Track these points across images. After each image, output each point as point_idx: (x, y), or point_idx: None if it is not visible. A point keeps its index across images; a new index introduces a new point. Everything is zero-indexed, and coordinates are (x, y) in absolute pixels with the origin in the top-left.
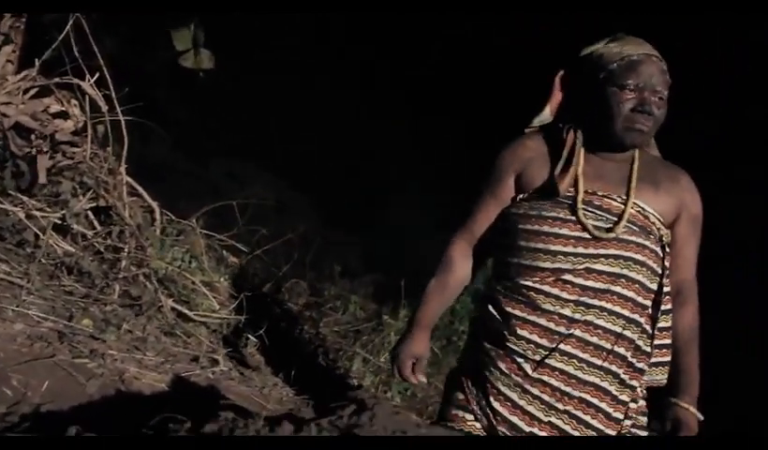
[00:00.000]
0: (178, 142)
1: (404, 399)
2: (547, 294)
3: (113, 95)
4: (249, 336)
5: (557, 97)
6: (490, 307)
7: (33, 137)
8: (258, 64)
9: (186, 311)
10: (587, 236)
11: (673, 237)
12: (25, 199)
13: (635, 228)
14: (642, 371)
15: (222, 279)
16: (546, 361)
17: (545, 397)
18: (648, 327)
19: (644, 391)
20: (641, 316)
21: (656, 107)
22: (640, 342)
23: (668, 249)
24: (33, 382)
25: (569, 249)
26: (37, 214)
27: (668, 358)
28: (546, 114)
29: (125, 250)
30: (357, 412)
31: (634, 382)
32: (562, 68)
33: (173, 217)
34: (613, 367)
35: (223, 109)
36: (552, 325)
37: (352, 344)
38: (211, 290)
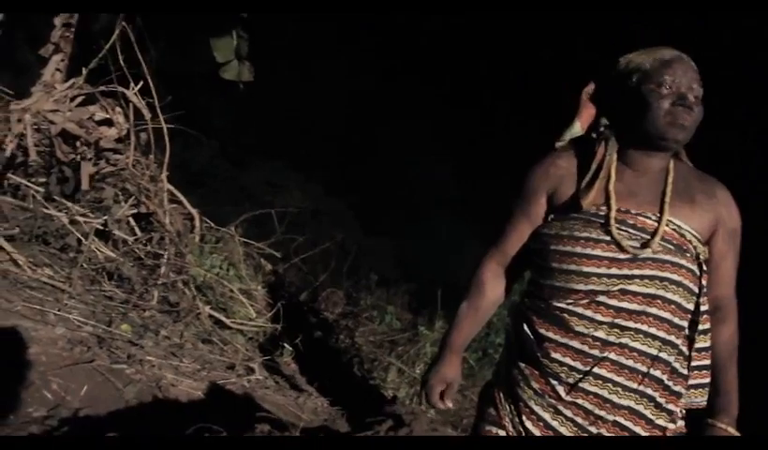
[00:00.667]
0: (220, 149)
1: (438, 412)
2: (581, 317)
3: (156, 103)
4: (285, 344)
5: (589, 111)
6: (524, 327)
7: (78, 144)
8: (298, 72)
9: (224, 318)
10: (621, 257)
11: (711, 253)
12: (69, 204)
13: (670, 246)
14: (679, 394)
15: (259, 287)
16: (580, 384)
17: (578, 420)
18: (685, 349)
19: (684, 411)
20: (677, 337)
21: (694, 104)
22: (676, 365)
23: (705, 267)
24: (72, 387)
25: (603, 271)
26: (81, 219)
27: (707, 380)
28: (577, 129)
29: (165, 257)
30: (394, 427)
31: (671, 406)
32: (589, 82)
33: (213, 225)
34: (649, 391)
35: (263, 116)
36: (585, 348)
37: (388, 354)
38: (248, 297)
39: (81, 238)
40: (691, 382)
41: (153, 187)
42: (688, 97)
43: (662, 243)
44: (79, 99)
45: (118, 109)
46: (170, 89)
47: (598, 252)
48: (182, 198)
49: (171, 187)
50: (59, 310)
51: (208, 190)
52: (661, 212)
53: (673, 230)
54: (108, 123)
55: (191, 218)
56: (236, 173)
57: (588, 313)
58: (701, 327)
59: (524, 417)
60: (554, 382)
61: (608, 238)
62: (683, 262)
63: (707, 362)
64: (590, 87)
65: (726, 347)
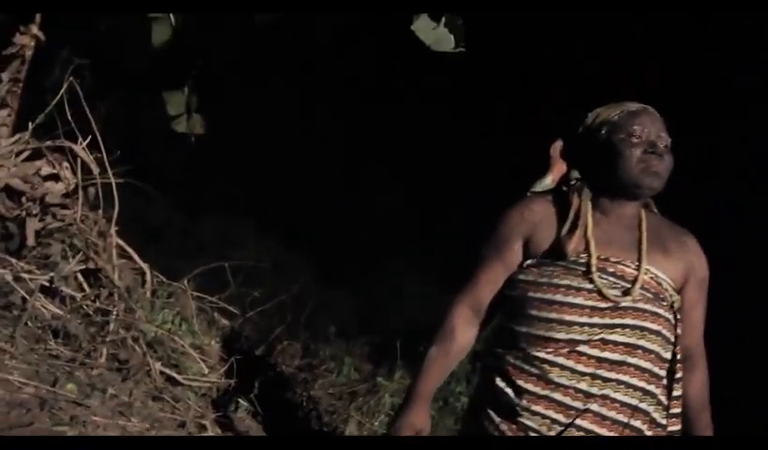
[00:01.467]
0: (176, 204)
1: None
2: (562, 367)
3: (105, 157)
4: (239, 400)
5: (559, 165)
6: (498, 380)
7: (23, 199)
8: (251, 124)
9: (175, 375)
10: (602, 305)
11: (683, 301)
12: (14, 261)
13: (649, 295)
14: None
15: (213, 342)
16: (562, 437)
17: None
18: (664, 398)
19: None
20: (656, 387)
21: (665, 152)
22: (656, 415)
23: (679, 316)
24: None
25: (585, 319)
26: (26, 276)
27: (678, 427)
28: (548, 182)
29: (114, 313)
30: None
31: None
32: (557, 139)
33: (164, 280)
34: None
35: (217, 168)
36: (568, 400)
37: (347, 406)
38: (201, 353)
39: (26, 296)
40: (670, 429)
41: (101, 243)
42: (659, 146)
43: (642, 291)
44: (25, 154)
45: (65, 164)
46: (122, 144)
47: (579, 300)
48: (132, 252)
49: (121, 242)
50: None
51: (164, 245)
52: (640, 260)
53: (651, 278)
54: (55, 178)
55: (142, 273)
56: (192, 227)
57: (570, 364)
58: (677, 375)
59: None
60: (535, 436)
61: (590, 286)
62: (660, 310)
63: (680, 409)
64: (558, 143)
65: (699, 395)
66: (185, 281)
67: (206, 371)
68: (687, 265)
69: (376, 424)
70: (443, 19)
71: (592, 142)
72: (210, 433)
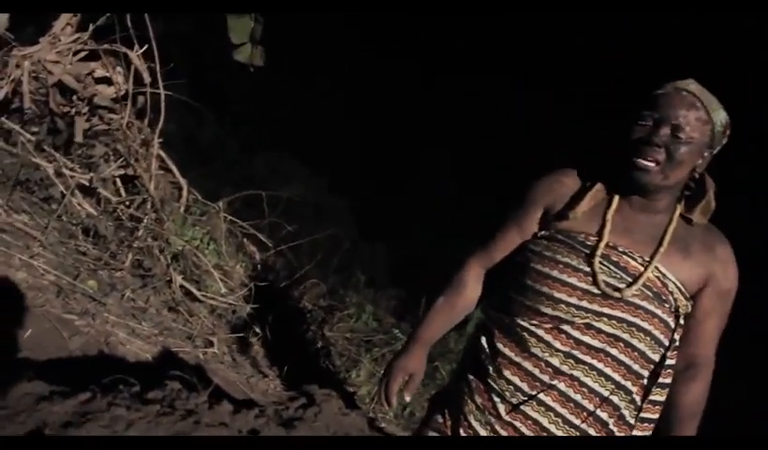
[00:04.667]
0: (232, 130)
1: (401, 419)
2: (539, 339)
3: (158, 69)
4: (254, 325)
5: None
6: (483, 339)
7: (74, 98)
8: (320, 67)
9: (194, 290)
10: (595, 291)
11: (696, 308)
12: (58, 156)
13: (649, 293)
14: None
15: (238, 266)
16: (522, 406)
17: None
18: (638, 398)
19: None
20: (633, 384)
21: (667, 140)
22: (626, 412)
23: (682, 321)
24: (16, 330)
25: (573, 300)
26: (67, 172)
27: (648, 433)
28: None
29: (145, 221)
30: (305, 406)
31: None
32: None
33: (199, 197)
34: (591, 431)
35: (277, 103)
36: (537, 372)
37: (361, 354)
38: (224, 274)
39: (64, 191)
40: (635, 432)
41: (144, 151)
42: (659, 134)
43: (643, 288)
44: (82, 54)
45: (119, 69)
46: (183, 62)
47: (573, 281)
48: (172, 166)
49: (163, 154)
50: (26, 256)
51: (213, 167)
52: (651, 258)
53: (656, 277)
54: (107, 81)
55: (180, 188)
56: (243, 156)
57: (548, 338)
58: (660, 380)
59: (460, 430)
60: (497, 400)
61: (587, 269)
62: (658, 311)
63: (655, 416)
64: None
65: (691, 406)
66: (220, 203)
67: (223, 291)
68: (708, 272)
69: None
70: None
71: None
72: (215, 350)
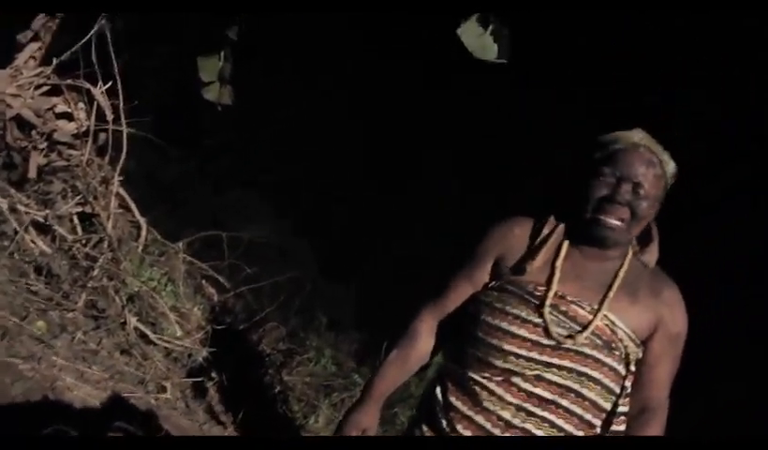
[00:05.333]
0: (201, 165)
1: None
2: (491, 393)
3: (121, 105)
4: (210, 370)
5: None
6: (437, 391)
7: (33, 132)
8: (321, 68)
9: (149, 332)
10: (545, 342)
11: (647, 353)
12: (13, 191)
13: (598, 341)
14: None
15: (195, 309)
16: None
17: None
18: None
19: None
20: (586, 434)
21: (630, 198)
22: None
23: (632, 368)
24: None
25: (523, 352)
26: (22, 208)
27: None
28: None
29: (101, 260)
30: None
31: None
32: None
33: (159, 237)
34: None
35: (243, 142)
36: (488, 426)
37: (320, 399)
38: (180, 316)
39: (18, 228)
40: None
41: (103, 189)
42: (621, 192)
43: (592, 337)
44: (44, 89)
45: (81, 105)
46: (148, 99)
47: (522, 332)
48: (132, 204)
49: (123, 192)
50: None
51: (175, 205)
52: (599, 305)
53: (606, 325)
54: (68, 117)
55: (138, 227)
56: (207, 195)
57: (499, 391)
58: (613, 428)
59: None
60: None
61: (538, 320)
62: (608, 359)
63: None
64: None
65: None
66: (179, 244)
67: (178, 334)
68: (656, 317)
69: None
70: (490, 26)
71: (579, 170)
72: (168, 396)
